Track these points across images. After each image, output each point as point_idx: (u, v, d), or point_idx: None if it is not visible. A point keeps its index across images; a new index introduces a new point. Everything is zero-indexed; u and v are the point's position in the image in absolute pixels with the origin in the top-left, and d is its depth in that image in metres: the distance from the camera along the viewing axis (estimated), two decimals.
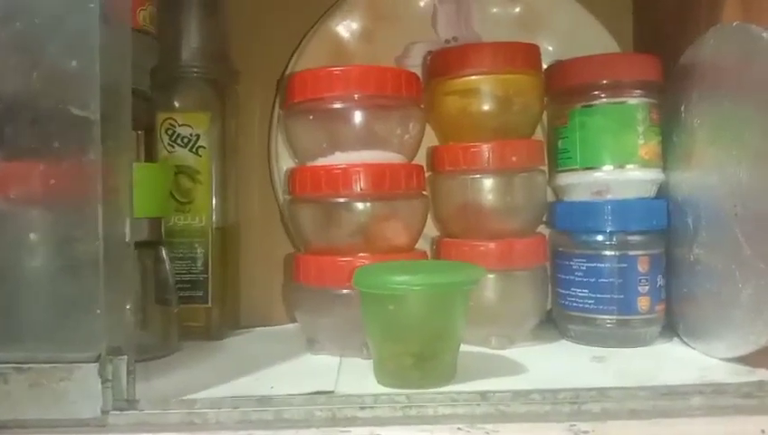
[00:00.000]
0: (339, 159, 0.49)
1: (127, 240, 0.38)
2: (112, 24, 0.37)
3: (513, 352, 0.49)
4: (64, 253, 0.37)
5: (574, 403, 0.37)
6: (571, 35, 0.60)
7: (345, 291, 0.47)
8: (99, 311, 0.36)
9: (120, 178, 0.38)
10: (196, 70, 0.57)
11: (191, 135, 0.57)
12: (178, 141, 0.57)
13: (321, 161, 0.50)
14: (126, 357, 0.37)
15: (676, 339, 0.52)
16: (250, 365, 0.46)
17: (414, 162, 0.53)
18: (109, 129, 0.37)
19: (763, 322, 0.41)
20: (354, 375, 0.44)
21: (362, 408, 0.36)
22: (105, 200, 0.37)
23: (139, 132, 0.57)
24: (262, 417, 0.36)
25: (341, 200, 0.49)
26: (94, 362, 0.36)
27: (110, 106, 0.37)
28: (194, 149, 0.57)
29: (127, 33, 0.38)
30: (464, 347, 0.44)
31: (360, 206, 0.49)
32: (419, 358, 0.40)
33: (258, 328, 0.60)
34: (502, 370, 0.45)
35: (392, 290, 0.40)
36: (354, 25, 0.60)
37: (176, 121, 0.57)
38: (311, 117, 0.50)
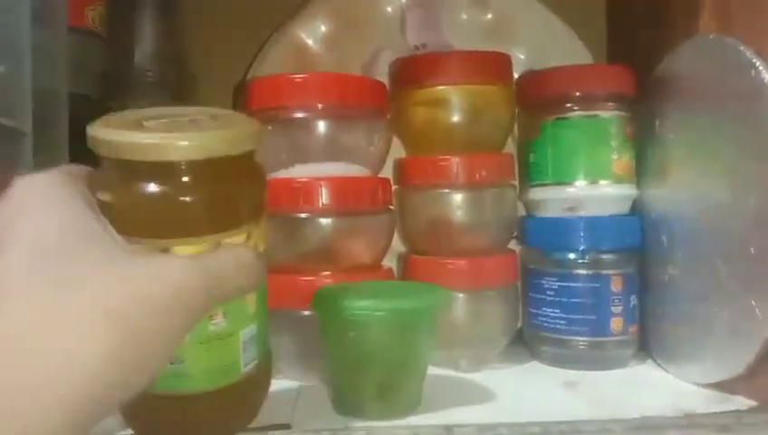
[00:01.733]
0: (299, 171, 0.46)
1: None
2: (46, 25, 0.34)
3: (481, 376, 0.47)
4: None
5: None
6: (543, 44, 0.58)
7: (306, 312, 0.44)
8: None
9: None
10: (150, 74, 0.54)
11: None
12: None
13: (281, 174, 0.47)
14: None
15: (649, 361, 0.50)
16: None
17: (380, 175, 0.50)
18: (42, 141, 0.34)
19: (740, 349, 0.39)
20: (313, 404, 0.41)
21: None
22: None
23: None
24: None
25: (302, 216, 0.46)
26: None
27: (44, 116, 0.34)
28: None
29: (62, 35, 0.35)
30: (431, 370, 0.42)
31: (322, 221, 0.46)
32: (382, 388, 0.38)
33: None
34: (469, 397, 0.42)
35: (353, 315, 0.38)
36: (318, 31, 0.57)
37: None
38: (269, 127, 0.47)
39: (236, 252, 0.28)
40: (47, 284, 0.22)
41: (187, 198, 0.28)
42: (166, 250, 0.28)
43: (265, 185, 0.33)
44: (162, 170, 0.28)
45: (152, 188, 0.28)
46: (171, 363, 0.29)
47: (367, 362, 0.39)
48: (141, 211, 0.28)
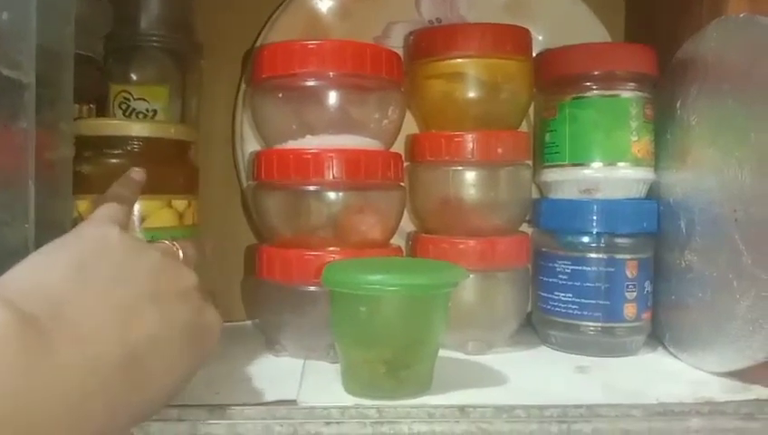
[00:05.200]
0: (310, 142, 0.45)
1: (66, 224, 0.33)
2: None
3: (490, 359, 0.46)
4: None
5: (563, 422, 0.33)
6: (560, 23, 0.56)
7: (312, 288, 0.43)
8: None
9: (58, 151, 0.33)
10: (155, 39, 0.52)
11: (147, 110, 0.52)
12: (133, 117, 0.51)
13: (290, 144, 0.45)
14: None
15: (660, 349, 0.49)
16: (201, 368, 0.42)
17: (392, 151, 0.48)
18: (45, 94, 0.32)
19: (762, 336, 0.38)
20: (319, 381, 0.40)
21: (328, 423, 0.32)
22: (38, 177, 0.32)
23: (91, 105, 0.52)
24: (212, 431, 0.32)
25: (312, 188, 0.44)
26: None
27: (48, 69, 0.32)
28: None
29: None
30: (438, 352, 0.40)
31: (331, 195, 0.45)
32: (393, 366, 0.36)
33: None
34: (480, 379, 0.41)
35: (365, 290, 0.36)
36: (331, 1, 0.55)
37: (131, 95, 0.52)
38: (280, 95, 0.46)
39: None
40: None
41: None
42: None
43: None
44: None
45: None
46: None
47: (378, 339, 0.37)
48: None
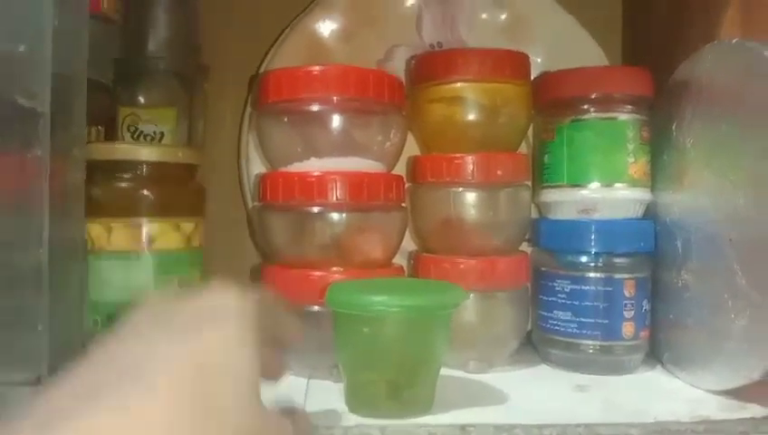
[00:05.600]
0: (314, 165, 0.46)
1: (77, 247, 0.34)
2: (67, 7, 0.33)
3: (491, 378, 0.47)
4: (2, 259, 0.33)
5: None
6: (559, 46, 0.57)
7: (316, 308, 0.44)
8: (40, 327, 0.32)
9: (71, 176, 0.34)
10: (162, 63, 0.54)
11: (155, 132, 0.53)
12: (141, 139, 0.53)
13: (295, 167, 0.47)
14: None
15: (659, 367, 0.50)
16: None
17: (393, 172, 0.50)
18: (59, 122, 0.33)
19: (757, 356, 0.39)
20: (323, 400, 0.41)
21: None
22: (52, 201, 0.33)
23: (99, 128, 0.53)
24: None
25: (315, 210, 0.45)
26: (34, 384, 0.32)
27: (62, 96, 0.33)
28: None
29: (84, 16, 0.35)
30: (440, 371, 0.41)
31: (335, 216, 0.46)
32: (395, 386, 0.37)
33: None
34: (481, 398, 0.42)
35: (368, 311, 0.37)
36: (334, 25, 0.56)
37: (139, 117, 0.53)
38: (285, 119, 0.47)
39: None
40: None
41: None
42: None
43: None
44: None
45: None
46: None
47: (380, 360, 0.38)
48: None
